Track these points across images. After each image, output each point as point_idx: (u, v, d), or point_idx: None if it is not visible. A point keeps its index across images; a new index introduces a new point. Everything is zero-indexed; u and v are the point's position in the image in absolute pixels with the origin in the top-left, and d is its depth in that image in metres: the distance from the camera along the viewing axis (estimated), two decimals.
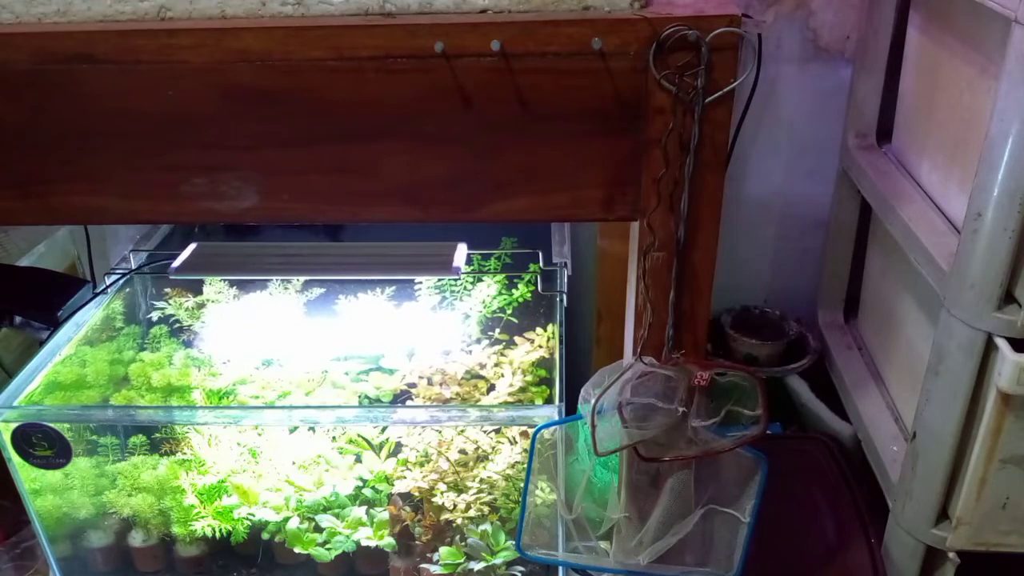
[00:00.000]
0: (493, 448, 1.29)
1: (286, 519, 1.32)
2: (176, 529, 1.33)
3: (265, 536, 1.34)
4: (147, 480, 1.30)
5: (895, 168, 1.39)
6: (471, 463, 1.29)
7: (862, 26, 1.45)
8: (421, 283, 1.49)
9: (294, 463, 1.33)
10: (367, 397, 1.37)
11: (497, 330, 1.45)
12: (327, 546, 1.31)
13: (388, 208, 0.95)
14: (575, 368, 1.31)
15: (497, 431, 1.30)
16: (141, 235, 1.59)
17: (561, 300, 1.39)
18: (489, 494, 1.28)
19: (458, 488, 1.28)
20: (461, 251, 1.34)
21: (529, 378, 1.36)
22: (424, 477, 1.28)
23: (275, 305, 1.49)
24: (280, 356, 1.43)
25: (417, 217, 0.95)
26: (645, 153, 0.89)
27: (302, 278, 1.50)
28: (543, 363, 1.39)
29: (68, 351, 1.35)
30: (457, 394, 1.34)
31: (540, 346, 1.41)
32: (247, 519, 1.32)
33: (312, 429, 1.33)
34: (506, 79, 0.86)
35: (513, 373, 1.36)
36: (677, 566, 1.10)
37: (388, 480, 1.32)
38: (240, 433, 1.33)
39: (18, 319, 1.26)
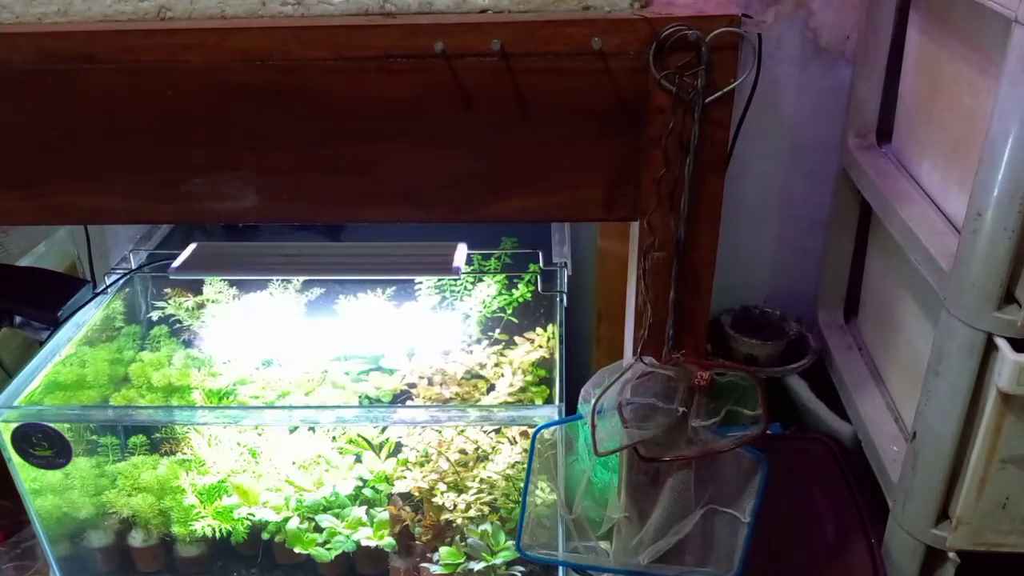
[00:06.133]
0: (493, 448, 1.29)
1: (286, 519, 1.32)
2: (176, 529, 1.33)
3: (265, 536, 1.34)
4: (147, 480, 1.30)
5: (895, 168, 1.39)
6: (471, 463, 1.29)
7: (862, 26, 1.45)
8: (421, 283, 1.49)
9: (294, 463, 1.33)
10: (367, 397, 1.37)
11: (497, 330, 1.45)
12: (327, 546, 1.31)
13: (388, 208, 0.95)
14: (575, 368, 1.31)
15: (497, 431, 1.30)
16: (141, 235, 1.59)
17: (561, 300, 1.39)
18: (489, 494, 1.28)
19: (458, 488, 1.28)
20: (461, 251, 1.34)
21: (529, 378, 1.36)
22: (424, 477, 1.28)
23: (275, 305, 1.49)
24: (280, 356, 1.43)
25: (417, 217, 0.95)
26: (645, 153, 0.89)
27: (302, 278, 1.49)
28: (543, 363, 1.39)
29: (68, 351, 1.35)
30: (457, 394, 1.34)
31: (540, 346, 1.41)
32: (247, 519, 1.32)
33: (312, 429, 1.33)
34: (506, 79, 0.86)
35: (513, 373, 1.36)
36: (677, 566, 1.10)
37: (388, 480, 1.32)
38: (240, 433, 1.33)
39: (18, 319, 1.26)
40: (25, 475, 1.27)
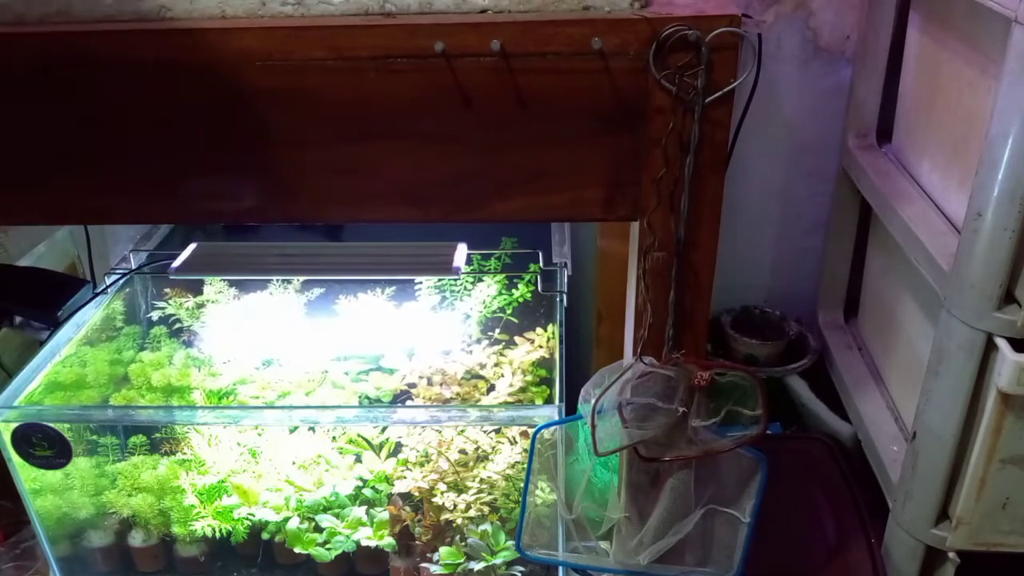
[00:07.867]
0: (493, 448, 1.29)
1: (286, 519, 1.32)
2: (176, 529, 1.33)
3: (265, 536, 1.34)
4: (147, 480, 1.30)
5: (895, 168, 1.39)
6: (471, 463, 1.29)
7: (862, 26, 1.45)
8: (421, 283, 1.49)
9: (294, 463, 1.33)
10: (367, 397, 1.37)
11: (497, 330, 1.45)
12: (327, 546, 1.31)
13: (388, 208, 0.95)
14: (575, 368, 1.31)
15: (497, 431, 1.30)
16: (141, 235, 1.59)
17: (561, 300, 1.39)
18: (489, 494, 1.28)
19: (458, 488, 1.28)
20: (461, 251, 1.34)
21: (529, 378, 1.36)
22: (424, 477, 1.28)
23: (275, 305, 1.49)
24: (280, 356, 1.43)
25: (417, 217, 0.95)
26: (645, 153, 0.89)
27: (302, 278, 1.50)
28: (543, 363, 1.39)
29: (68, 351, 1.35)
30: (457, 394, 1.34)
31: (540, 346, 1.41)
32: (247, 519, 1.32)
33: (312, 429, 1.33)
34: (506, 79, 0.86)
35: (513, 373, 1.36)
36: (677, 566, 1.10)
37: (388, 480, 1.32)
38: (240, 433, 1.33)
39: (18, 319, 1.26)
40: (25, 475, 1.27)
